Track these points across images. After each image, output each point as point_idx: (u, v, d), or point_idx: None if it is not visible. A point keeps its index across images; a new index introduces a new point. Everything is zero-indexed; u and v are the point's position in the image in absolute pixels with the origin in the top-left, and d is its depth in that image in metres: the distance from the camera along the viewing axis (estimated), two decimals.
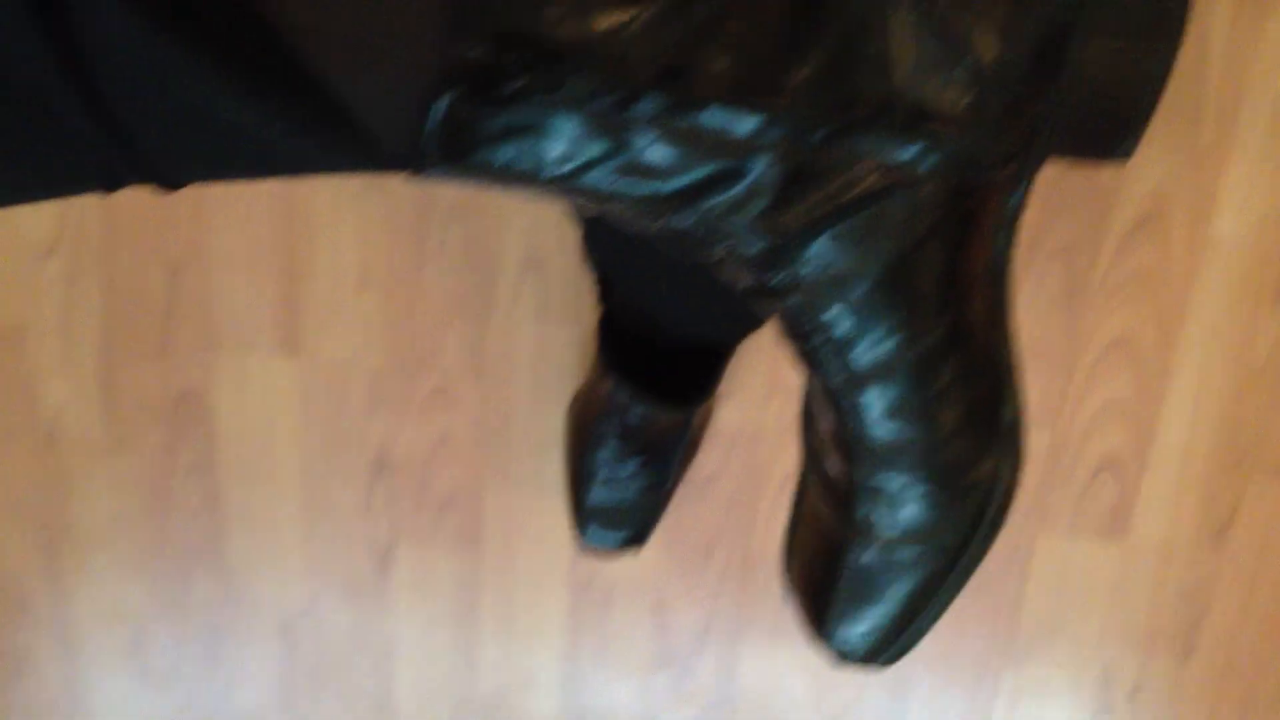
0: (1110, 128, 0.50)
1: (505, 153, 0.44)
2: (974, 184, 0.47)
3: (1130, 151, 0.49)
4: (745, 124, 0.44)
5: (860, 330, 0.47)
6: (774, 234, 0.46)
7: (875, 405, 0.48)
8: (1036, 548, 1.21)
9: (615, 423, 1.10)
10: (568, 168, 0.44)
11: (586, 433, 1.14)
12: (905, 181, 0.46)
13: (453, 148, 0.43)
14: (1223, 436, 1.15)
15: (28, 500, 1.30)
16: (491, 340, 1.18)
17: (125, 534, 1.31)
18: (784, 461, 1.20)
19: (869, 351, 0.47)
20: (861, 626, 0.48)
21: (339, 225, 1.14)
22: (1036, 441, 1.16)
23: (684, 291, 0.90)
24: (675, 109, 0.43)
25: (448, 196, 1.12)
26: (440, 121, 0.42)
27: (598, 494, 1.15)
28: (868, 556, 0.49)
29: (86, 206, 1.16)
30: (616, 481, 1.14)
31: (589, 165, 0.44)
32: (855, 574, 0.49)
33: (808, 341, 0.50)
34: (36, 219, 1.16)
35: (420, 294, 1.17)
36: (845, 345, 0.48)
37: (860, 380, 0.48)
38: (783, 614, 1.28)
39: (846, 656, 0.51)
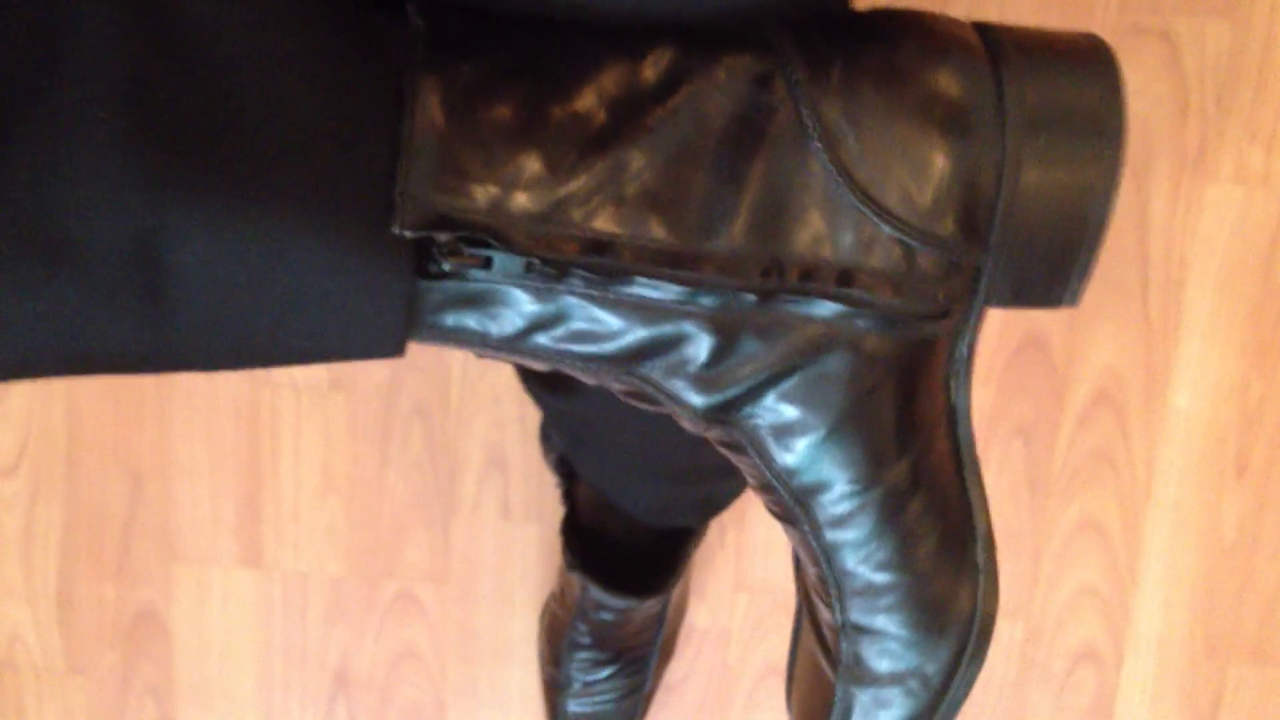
0: (1053, 271, 0.51)
1: (451, 320, 0.45)
2: (915, 338, 0.48)
3: (1076, 296, 0.50)
4: (671, 293, 0.45)
5: (821, 479, 0.48)
6: (715, 393, 0.47)
7: (849, 548, 0.49)
8: None
9: (586, 627, 1.08)
10: (511, 332, 0.46)
11: (559, 641, 1.12)
12: (846, 339, 0.47)
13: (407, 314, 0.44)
14: (1197, 622, 1.13)
15: None
16: (455, 542, 1.17)
17: None
18: (755, 660, 1.17)
19: (835, 502, 0.48)
20: None
21: (302, 427, 1.15)
22: (1010, 633, 1.14)
23: (645, 473, 0.91)
24: (603, 282, 0.45)
25: (410, 397, 1.13)
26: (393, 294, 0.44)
27: (572, 709, 1.12)
28: (857, 695, 0.49)
29: (51, 416, 1.16)
30: (591, 693, 1.11)
31: (532, 329, 0.46)
32: (846, 712, 0.49)
33: (774, 494, 0.50)
34: (0, 436, 1.16)
35: (382, 497, 1.16)
36: (809, 493, 0.48)
37: (830, 525, 0.49)
38: None
39: None
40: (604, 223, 0.45)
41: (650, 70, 0.46)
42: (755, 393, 0.47)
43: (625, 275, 0.45)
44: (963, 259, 0.48)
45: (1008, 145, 0.47)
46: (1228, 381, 1.06)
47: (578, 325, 0.46)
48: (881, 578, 0.48)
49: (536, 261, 0.44)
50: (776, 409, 0.47)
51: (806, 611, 0.54)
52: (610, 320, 0.46)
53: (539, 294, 0.45)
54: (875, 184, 0.47)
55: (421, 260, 0.44)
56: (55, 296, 0.40)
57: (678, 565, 1.03)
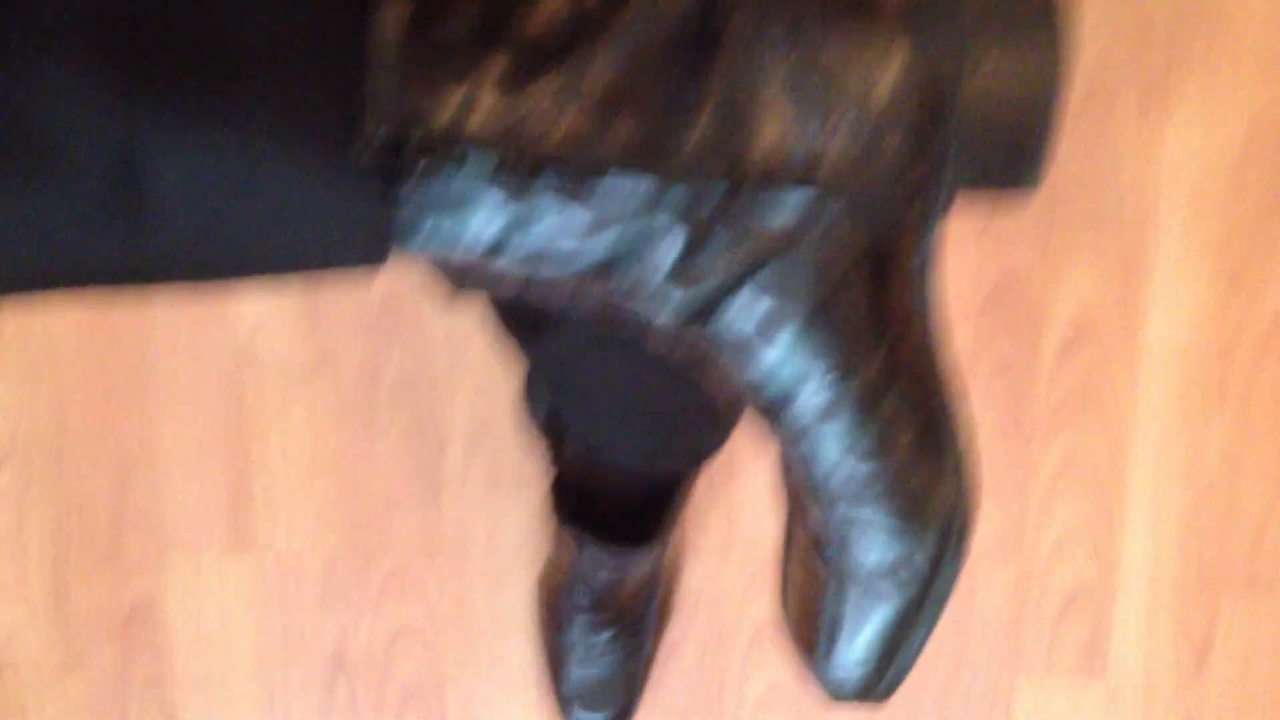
0: (1014, 152, 0.52)
1: (429, 222, 0.46)
2: (884, 225, 0.49)
3: (1038, 179, 0.52)
4: (643, 186, 0.47)
5: (800, 375, 0.49)
6: (688, 289, 0.49)
7: (831, 445, 0.50)
8: (1017, 688, 1.17)
9: (583, 592, 1.08)
10: (487, 237, 0.47)
11: (556, 611, 1.12)
12: (817, 227, 0.48)
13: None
14: (1187, 555, 1.13)
15: None
16: (446, 515, 1.17)
17: None
18: (749, 618, 1.17)
19: (813, 395, 0.49)
20: (850, 658, 0.50)
21: (288, 407, 1.15)
22: (1002, 576, 1.14)
23: (632, 414, 0.92)
24: (576, 176, 0.46)
25: (394, 371, 1.13)
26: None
27: (575, 674, 1.13)
28: (848, 591, 0.50)
29: (38, 408, 1.17)
30: (592, 657, 1.11)
31: (508, 231, 0.47)
32: (839, 608, 0.50)
33: (757, 398, 0.51)
34: None
35: (371, 474, 1.16)
36: (790, 394, 0.50)
37: (812, 423, 0.50)
38: None
39: (840, 689, 0.52)
40: (573, 118, 0.46)
41: None
42: (730, 288, 0.49)
43: (597, 168, 0.46)
44: (927, 144, 0.49)
45: (965, 31, 0.49)
46: (1202, 309, 1.07)
47: (551, 221, 0.47)
48: (865, 467, 0.49)
49: (510, 157, 0.45)
50: (752, 304, 0.49)
51: (793, 515, 0.55)
52: (584, 215, 0.47)
53: (513, 192, 0.46)
54: (837, 72, 0.48)
55: (396, 163, 0.45)
56: (36, 204, 0.41)
57: (671, 511, 1.03)
